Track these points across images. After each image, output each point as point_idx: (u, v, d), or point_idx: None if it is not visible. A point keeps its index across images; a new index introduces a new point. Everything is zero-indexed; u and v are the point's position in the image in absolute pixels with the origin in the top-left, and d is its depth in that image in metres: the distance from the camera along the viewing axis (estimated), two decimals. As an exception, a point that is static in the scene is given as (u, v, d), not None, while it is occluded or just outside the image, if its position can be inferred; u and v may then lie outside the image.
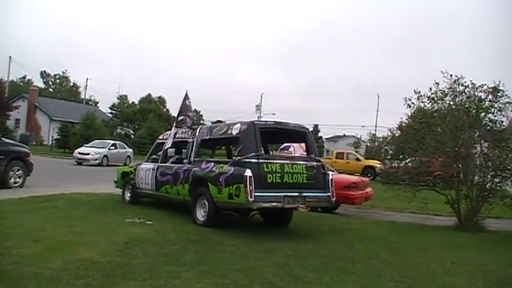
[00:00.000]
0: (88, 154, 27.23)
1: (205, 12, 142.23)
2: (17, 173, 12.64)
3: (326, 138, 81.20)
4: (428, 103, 10.91)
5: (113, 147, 29.51)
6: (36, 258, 5.20)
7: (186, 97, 10.08)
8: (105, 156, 27.93)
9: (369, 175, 24.95)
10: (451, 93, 10.61)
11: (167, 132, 10.69)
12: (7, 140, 13.21)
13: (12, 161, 12.37)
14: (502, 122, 10.46)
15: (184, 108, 9.97)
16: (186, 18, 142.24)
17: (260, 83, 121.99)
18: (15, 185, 12.47)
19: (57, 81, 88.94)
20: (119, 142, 31.93)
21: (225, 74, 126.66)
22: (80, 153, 27.52)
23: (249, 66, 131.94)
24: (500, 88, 10.11)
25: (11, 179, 12.40)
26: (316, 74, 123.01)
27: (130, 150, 32.50)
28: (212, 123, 10.02)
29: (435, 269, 6.25)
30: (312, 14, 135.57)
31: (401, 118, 12.27)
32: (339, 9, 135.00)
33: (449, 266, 6.45)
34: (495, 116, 10.36)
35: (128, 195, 11.02)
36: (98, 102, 76.97)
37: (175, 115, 10.69)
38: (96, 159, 27.11)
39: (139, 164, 10.90)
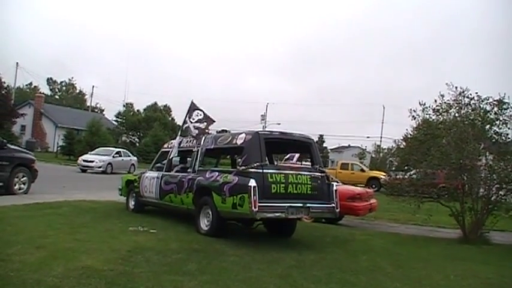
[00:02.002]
0: (92, 161, 27.24)
1: (212, 21, 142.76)
2: (22, 179, 12.67)
3: (331, 149, 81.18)
4: (433, 115, 10.92)
5: (117, 155, 29.52)
6: (39, 265, 5.20)
7: (194, 106, 10.08)
8: (109, 164, 27.92)
9: (374, 186, 24.93)
10: (456, 105, 10.62)
11: (172, 141, 10.72)
12: (12, 147, 13.26)
13: (17, 168, 12.41)
14: (508, 134, 10.45)
15: (206, 117, 9.95)
16: (193, 27, 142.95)
17: (266, 92, 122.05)
18: (20, 191, 12.50)
19: (64, 88, 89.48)
20: (123, 150, 31.98)
21: (231, 83, 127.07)
22: (84, 161, 27.53)
23: (255, 75, 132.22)
24: (505, 101, 10.12)
25: (15, 185, 12.43)
26: (323, 84, 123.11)
27: (135, 158, 32.56)
28: (217, 132, 10.02)
29: (438, 281, 6.22)
30: (318, 24, 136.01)
31: (406, 129, 12.28)
32: (347, 18, 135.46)
33: (453, 279, 6.41)
34: (500, 128, 10.35)
35: (131, 203, 11.03)
36: (103, 110, 77.48)
37: (181, 124, 10.71)
38: (100, 167, 27.08)
39: (144, 173, 10.91)
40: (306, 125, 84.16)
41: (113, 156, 28.91)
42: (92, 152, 29.47)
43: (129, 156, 31.70)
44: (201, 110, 10.00)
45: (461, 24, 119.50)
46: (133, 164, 30.73)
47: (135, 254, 6.17)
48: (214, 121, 9.93)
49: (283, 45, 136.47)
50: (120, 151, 30.69)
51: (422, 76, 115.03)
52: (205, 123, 9.79)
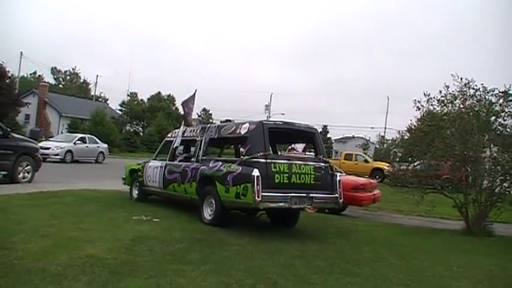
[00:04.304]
0: (48, 148, 23.51)
1: (220, 10, 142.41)
2: (26, 168, 12.72)
3: (335, 139, 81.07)
4: (438, 106, 10.85)
5: (79, 142, 26.18)
6: (43, 253, 5.23)
7: (195, 95, 10.15)
8: (69, 151, 24.68)
9: (377, 177, 24.87)
10: (461, 96, 10.55)
11: (176, 130, 10.71)
12: (16, 136, 13.29)
13: (21, 156, 12.46)
14: (513, 126, 10.39)
15: (187, 106, 10.14)
16: (198, 15, 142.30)
17: (271, 82, 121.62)
18: (24, 180, 12.55)
19: (68, 77, 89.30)
20: (89, 136, 28.32)
21: (238, 74, 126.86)
22: (41, 148, 24.42)
23: (261, 65, 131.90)
24: (511, 92, 10.04)
25: (19, 174, 12.49)
26: (328, 74, 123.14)
27: (105, 145, 29.09)
28: (221, 122, 10.02)
29: (441, 273, 6.22)
30: (328, 15, 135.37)
31: (410, 120, 12.23)
32: (357, 9, 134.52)
33: (456, 270, 6.41)
34: (505, 120, 10.29)
35: (135, 192, 11.05)
36: (107, 99, 77.34)
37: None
38: (57, 155, 23.82)
39: (147, 162, 10.92)
40: (311, 115, 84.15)
41: (74, 143, 25.60)
42: (52, 138, 27.09)
43: (97, 143, 28.08)
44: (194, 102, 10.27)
45: (474, 17, 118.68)
46: (101, 152, 27.72)
47: (138, 243, 6.19)
48: (188, 121, 10.30)
49: (293, 36, 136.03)
50: (84, 137, 27.21)
51: (431, 68, 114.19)
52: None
